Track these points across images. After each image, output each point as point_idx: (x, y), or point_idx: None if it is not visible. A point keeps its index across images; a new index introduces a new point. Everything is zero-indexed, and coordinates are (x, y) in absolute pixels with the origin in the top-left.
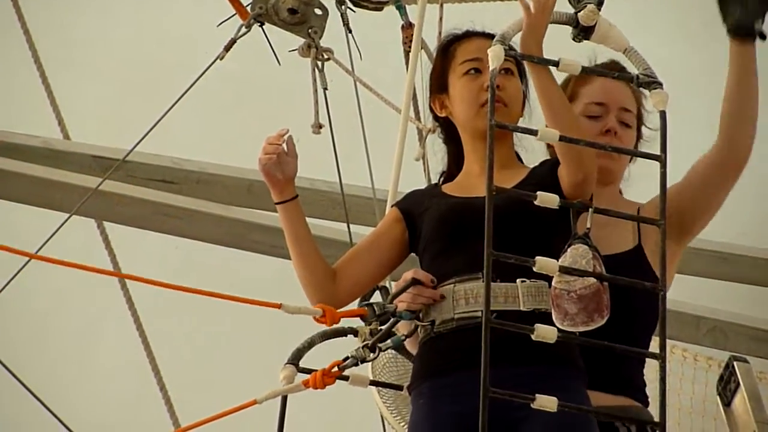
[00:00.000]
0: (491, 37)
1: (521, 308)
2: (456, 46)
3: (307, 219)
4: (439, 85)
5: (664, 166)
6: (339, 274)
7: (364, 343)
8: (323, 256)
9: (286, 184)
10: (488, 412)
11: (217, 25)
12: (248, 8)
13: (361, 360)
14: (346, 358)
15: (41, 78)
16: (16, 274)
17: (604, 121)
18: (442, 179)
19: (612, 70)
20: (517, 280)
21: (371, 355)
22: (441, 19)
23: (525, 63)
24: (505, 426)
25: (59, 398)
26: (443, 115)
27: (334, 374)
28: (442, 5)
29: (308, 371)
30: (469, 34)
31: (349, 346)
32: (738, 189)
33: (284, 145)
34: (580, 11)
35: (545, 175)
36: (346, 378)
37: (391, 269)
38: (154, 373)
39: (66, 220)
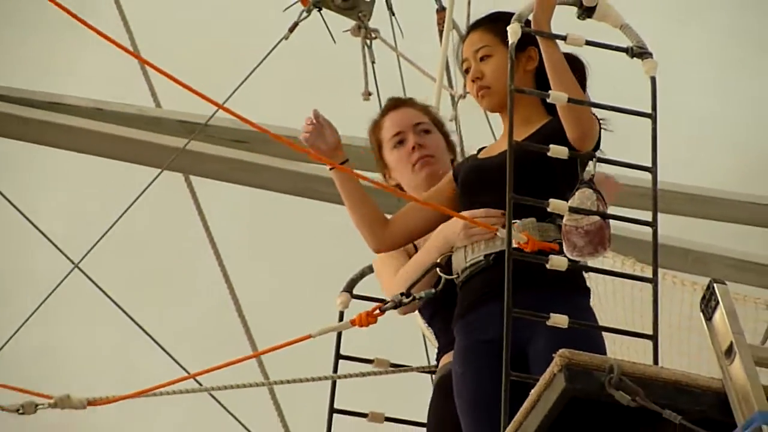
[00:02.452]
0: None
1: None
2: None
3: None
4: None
5: (654, 123)
6: (394, 223)
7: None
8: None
9: (333, 152)
10: (497, 338)
11: (283, 10)
12: None
13: (398, 304)
14: (386, 302)
15: (139, 62)
16: (118, 219)
17: (407, 143)
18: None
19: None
20: (521, 221)
21: (405, 300)
22: (469, 2)
23: (537, 37)
24: (515, 349)
25: (152, 314)
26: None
27: (376, 315)
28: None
29: (361, 298)
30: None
31: None
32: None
33: (317, 121)
34: None
35: (556, 130)
36: (397, 307)
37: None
38: (235, 307)
39: (159, 174)
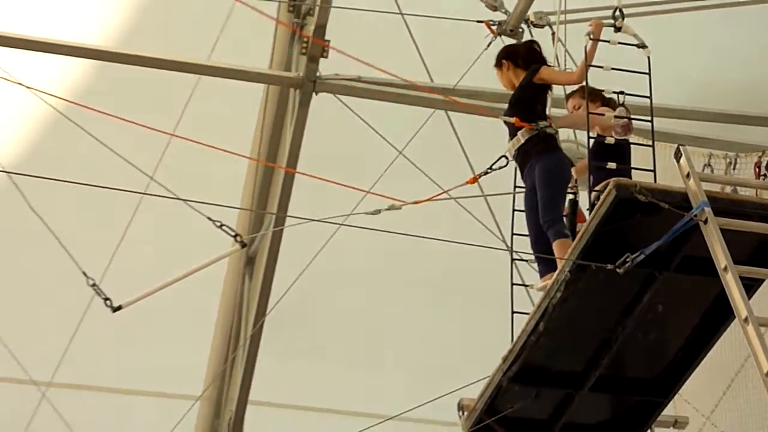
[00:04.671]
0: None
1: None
2: None
3: None
4: None
5: (650, 78)
6: None
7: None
8: None
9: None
10: (522, 170)
11: (485, 37)
12: (495, 28)
13: (484, 173)
14: (482, 172)
15: (415, 44)
16: (411, 138)
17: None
18: None
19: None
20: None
21: (489, 171)
22: (566, 29)
23: (590, 40)
24: (532, 182)
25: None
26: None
27: (477, 179)
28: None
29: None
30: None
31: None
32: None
33: None
34: (616, 21)
35: (521, 83)
36: (487, 173)
37: None
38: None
39: (433, 113)
